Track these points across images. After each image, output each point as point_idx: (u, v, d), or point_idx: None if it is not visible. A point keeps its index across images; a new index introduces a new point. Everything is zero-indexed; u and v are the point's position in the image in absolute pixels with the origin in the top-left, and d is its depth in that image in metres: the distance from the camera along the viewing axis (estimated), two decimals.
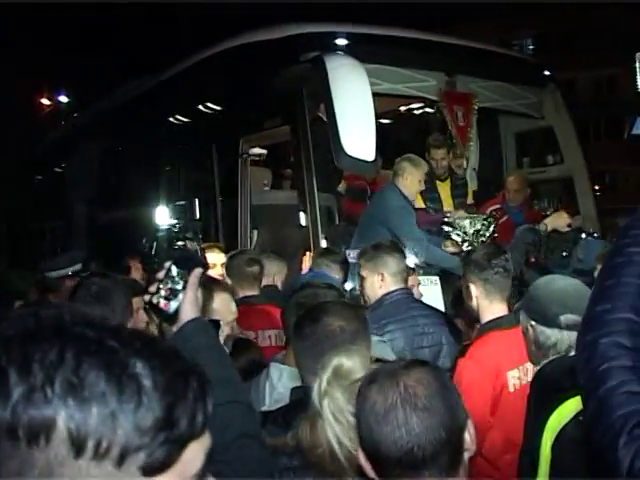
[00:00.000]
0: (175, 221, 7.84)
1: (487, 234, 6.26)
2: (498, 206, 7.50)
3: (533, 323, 2.92)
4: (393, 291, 4.31)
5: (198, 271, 2.40)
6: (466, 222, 6.17)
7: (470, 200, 7.57)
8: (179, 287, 2.38)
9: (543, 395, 2.82)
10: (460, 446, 1.77)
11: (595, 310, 1.69)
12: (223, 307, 3.50)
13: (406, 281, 4.51)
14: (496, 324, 3.77)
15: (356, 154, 5.58)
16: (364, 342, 2.82)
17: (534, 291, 3.02)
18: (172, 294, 2.38)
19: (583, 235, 5.31)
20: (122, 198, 10.31)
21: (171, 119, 8.95)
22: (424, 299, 5.33)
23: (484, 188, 8.28)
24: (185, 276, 2.39)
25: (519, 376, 3.58)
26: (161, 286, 2.39)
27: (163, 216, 7.32)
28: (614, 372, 1.56)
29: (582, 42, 40.33)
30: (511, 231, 7.12)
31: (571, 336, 2.79)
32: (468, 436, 1.79)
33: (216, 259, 5.65)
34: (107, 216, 10.52)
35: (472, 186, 8.26)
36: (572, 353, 2.76)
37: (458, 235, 6.17)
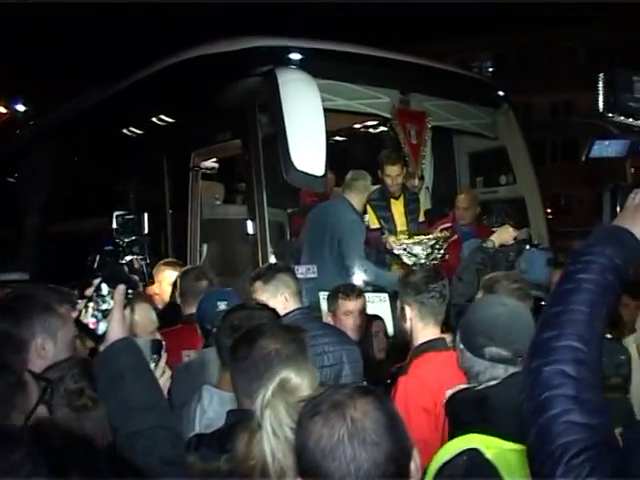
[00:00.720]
0: (122, 235, 7.73)
1: (439, 256, 6.24)
2: (449, 225, 7.52)
3: (462, 347, 2.84)
4: (291, 311, 4.22)
5: (121, 288, 2.33)
6: (418, 248, 6.16)
7: (422, 218, 7.50)
8: (108, 307, 2.31)
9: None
10: (407, 475, 1.73)
11: (541, 337, 1.69)
12: (143, 318, 3.42)
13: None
14: (430, 346, 3.82)
15: (305, 169, 5.53)
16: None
17: (468, 314, 2.94)
18: (102, 314, 2.31)
19: (527, 246, 5.33)
20: (72, 210, 10.13)
21: (123, 131, 8.82)
22: None
23: (438, 207, 8.28)
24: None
25: None
26: (90, 304, 2.32)
27: (111, 229, 7.16)
28: (556, 400, 1.56)
29: (540, 66, 41.02)
30: (459, 250, 7.14)
31: (494, 369, 2.74)
32: (414, 465, 1.75)
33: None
34: (57, 227, 10.33)
35: (426, 205, 8.26)
36: (492, 383, 2.70)
37: (409, 258, 6.15)
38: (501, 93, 8.26)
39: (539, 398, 1.58)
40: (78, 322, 2.33)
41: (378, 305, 5.95)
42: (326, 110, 5.89)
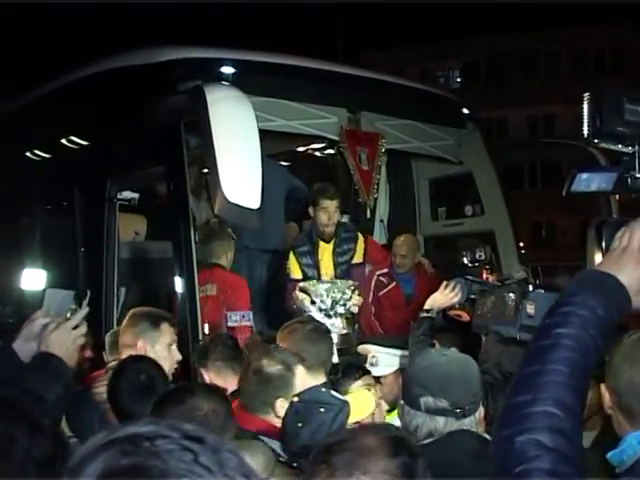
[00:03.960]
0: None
1: (347, 305, 6.31)
2: (385, 271, 7.68)
3: (401, 401, 3.03)
4: None
5: None
6: (322, 288, 6.24)
7: (359, 259, 7.30)
8: None
9: None
10: None
11: (514, 401, 1.70)
12: None
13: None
14: None
15: (238, 201, 5.52)
16: (233, 427, 2.90)
17: (408, 367, 3.13)
18: None
19: (531, 288, 5.40)
20: None
21: (27, 154, 8.77)
22: None
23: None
24: None
25: None
26: None
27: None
28: (531, 475, 1.58)
29: (517, 75, 41.43)
30: (400, 300, 7.33)
31: (432, 421, 2.92)
32: None
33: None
34: None
35: (381, 240, 8.39)
36: (428, 440, 2.86)
37: (314, 303, 6.24)
38: (466, 110, 8.46)
39: (512, 472, 1.60)
40: None
41: None
42: (263, 132, 5.96)
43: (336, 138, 7.42)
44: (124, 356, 4.32)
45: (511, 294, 5.12)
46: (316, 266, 7.09)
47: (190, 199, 6.37)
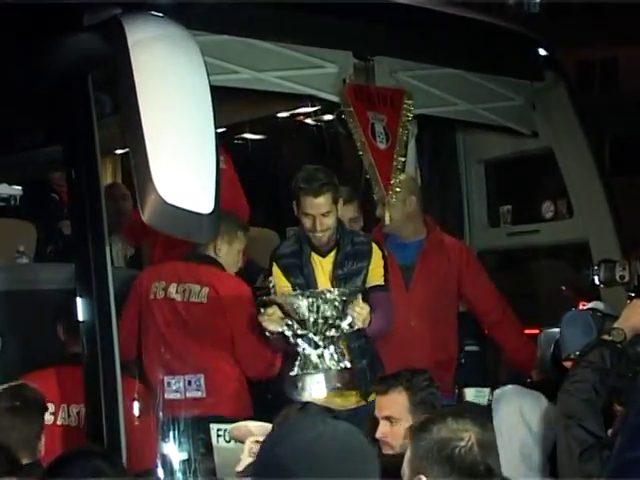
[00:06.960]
0: None
1: (340, 325, 6.38)
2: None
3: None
4: None
5: None
6: (302, 302, 6.25)
7: (377, 281, 7.18)
8: None
9: None
10: None
11: None
12: None
13: None
14: None
15: (180, 202, 5.29)
16: None
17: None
18: None
19: None
20: None
21: None
22: None
23: None
24: None
25: None
26: None
27: None
28: None
29: None
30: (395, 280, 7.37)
31: None
32: None
33: None
34: None
35: None
36: None
37: (289, 326, 6.31)
38: (544, 51, 8.51)
39: None
40: None
41: None
42: (218, 90, 5.84)
43: (336, 99, 7.47)
44: None
45: None
46: (314, 284, 7.06)
47: (103, 198, 6.35)
